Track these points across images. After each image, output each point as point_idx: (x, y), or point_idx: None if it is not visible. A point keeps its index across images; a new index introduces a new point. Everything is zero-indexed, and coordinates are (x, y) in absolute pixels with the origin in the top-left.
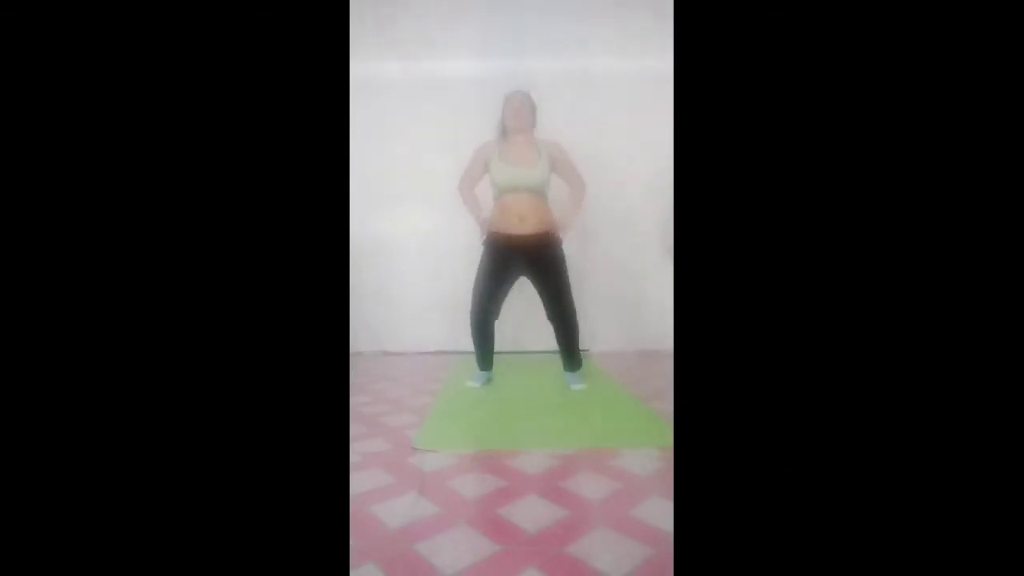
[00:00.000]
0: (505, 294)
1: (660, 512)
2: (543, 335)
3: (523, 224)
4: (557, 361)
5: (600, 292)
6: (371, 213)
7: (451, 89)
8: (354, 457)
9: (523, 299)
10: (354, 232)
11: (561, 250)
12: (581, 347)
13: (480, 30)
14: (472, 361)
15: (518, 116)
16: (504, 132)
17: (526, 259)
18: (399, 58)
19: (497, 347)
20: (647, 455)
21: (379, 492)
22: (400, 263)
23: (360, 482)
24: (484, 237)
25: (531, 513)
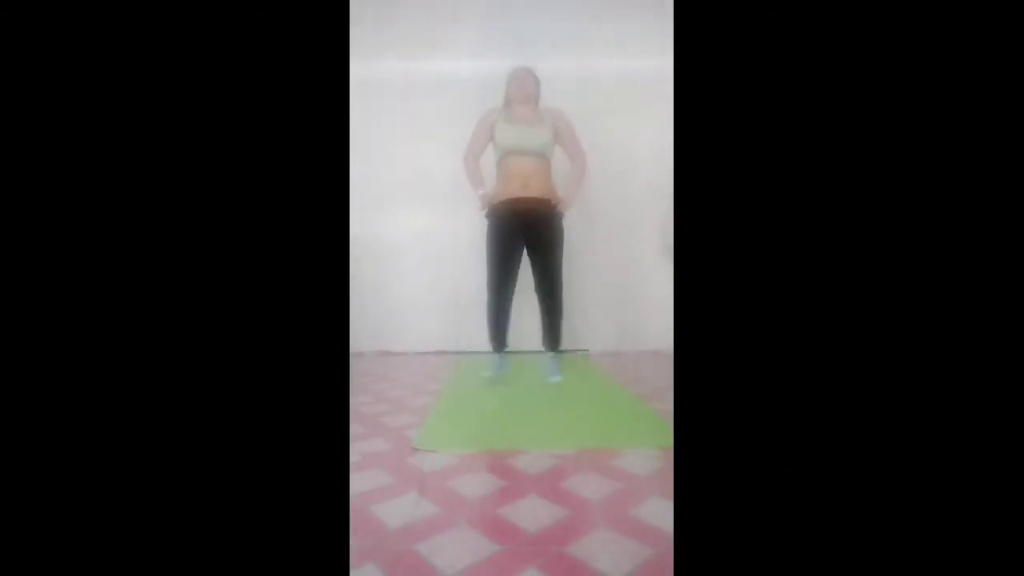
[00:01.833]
0: (517, 264)
1: (660, 512)
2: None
3: (526, 189)
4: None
5: (600, 292)
6: (371, 213)
7: (451, 89)
8: (354, 457)
9: (523, 299)
10: (354, 232)
11: (561, 223)
12: (581, 347)
13: (480, 30)
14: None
15: (522, 87)
16: (508, 103)
17: (527, 225)
18: (399, 58)
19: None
20: (647, 455)
21: (379, 492)
22: (400, 263)
23: (360, 482)
24: (486, 210)
25: (531, 513)
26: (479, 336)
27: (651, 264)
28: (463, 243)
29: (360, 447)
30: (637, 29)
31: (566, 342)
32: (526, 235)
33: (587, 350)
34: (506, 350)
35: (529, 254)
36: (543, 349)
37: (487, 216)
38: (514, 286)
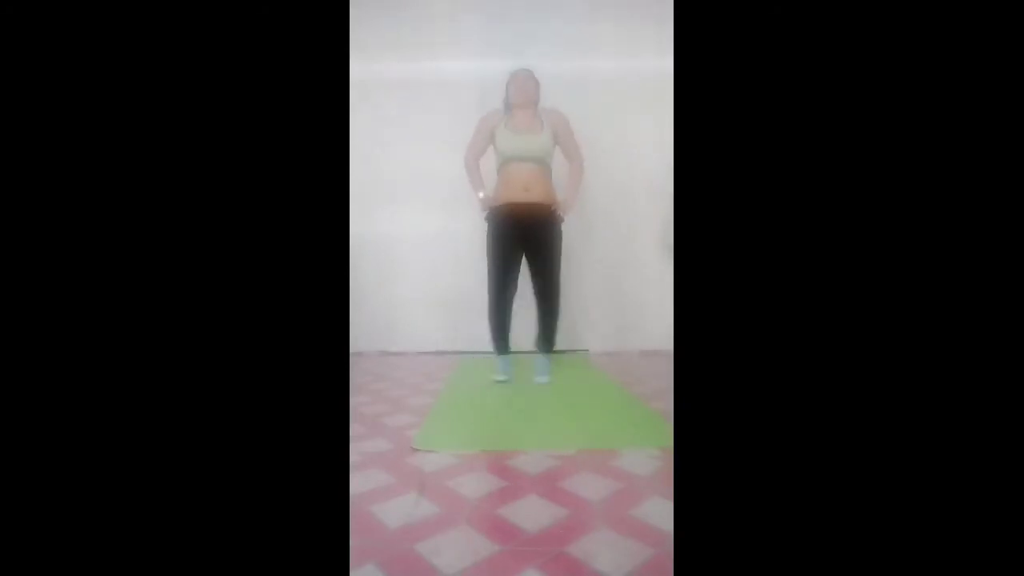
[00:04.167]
0: (517, 266)
1: (660, 512)
2: None
3: (527, 194)
4: (558, 361)
5: (601, 292)
6: (371, 213)
7: (451, 89)
8: (354, 457)
9: (524, 298)
10: (354, 232)
11: (560, 227)
12: (581, 347)
13: (480, 30)
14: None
15: (523, 90)
16: (509, 106)
17: (527, 229)
18: (399, 58)
19: None
20: (647, 455)
21: (379, 492)
22: (400, 263)
23: (360, 482)
24: (486, 212)
25: (531, 513)
26: (479, 336)
27: (651, 264)
28: (463, 243)
29: (360, 447)
30: (637, 29)
31: (567, 342)
32: (525, 239)
33: (587, 350)
34: (511, 351)
35: (527, 258)
36: (535, 350)
37: (487, 219)
38: (515, 288)
